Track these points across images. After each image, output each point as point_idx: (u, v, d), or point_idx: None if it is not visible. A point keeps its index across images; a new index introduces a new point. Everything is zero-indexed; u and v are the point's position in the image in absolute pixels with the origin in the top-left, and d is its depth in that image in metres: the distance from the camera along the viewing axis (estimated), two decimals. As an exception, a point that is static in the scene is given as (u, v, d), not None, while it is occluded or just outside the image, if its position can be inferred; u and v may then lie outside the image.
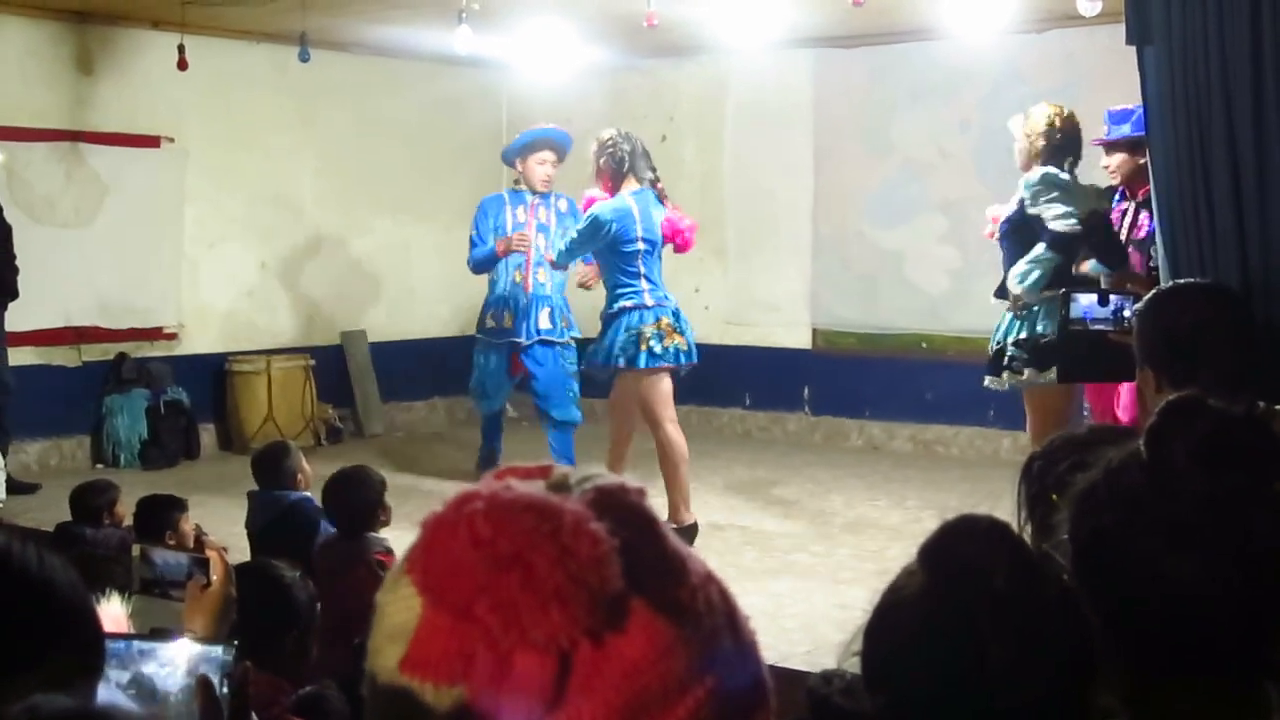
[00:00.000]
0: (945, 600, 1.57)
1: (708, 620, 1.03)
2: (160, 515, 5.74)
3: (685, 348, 7.88)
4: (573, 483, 1.06)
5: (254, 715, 1.98)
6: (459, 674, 0.99)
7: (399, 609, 1.04)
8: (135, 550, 3.58)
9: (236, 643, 2.00)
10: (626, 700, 0.98)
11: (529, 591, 0.96)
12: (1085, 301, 3.31)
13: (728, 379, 11.42)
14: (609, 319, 7.93)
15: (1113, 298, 3.30)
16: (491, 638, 0.98)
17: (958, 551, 1.59)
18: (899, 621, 1.61)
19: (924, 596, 1.59)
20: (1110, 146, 6.81)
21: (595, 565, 0.97)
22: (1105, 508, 1.77)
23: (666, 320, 7.85)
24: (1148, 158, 5.85)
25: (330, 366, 11.75)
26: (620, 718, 0.98)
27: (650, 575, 1.01)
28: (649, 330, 7.78)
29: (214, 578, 3.00)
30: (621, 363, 7.82)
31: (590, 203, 8.08)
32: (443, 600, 0.99)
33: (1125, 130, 6.61)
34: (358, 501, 5.47)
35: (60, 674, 1.89)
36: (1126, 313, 3.28)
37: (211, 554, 3.06)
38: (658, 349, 7.77)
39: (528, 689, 0.98)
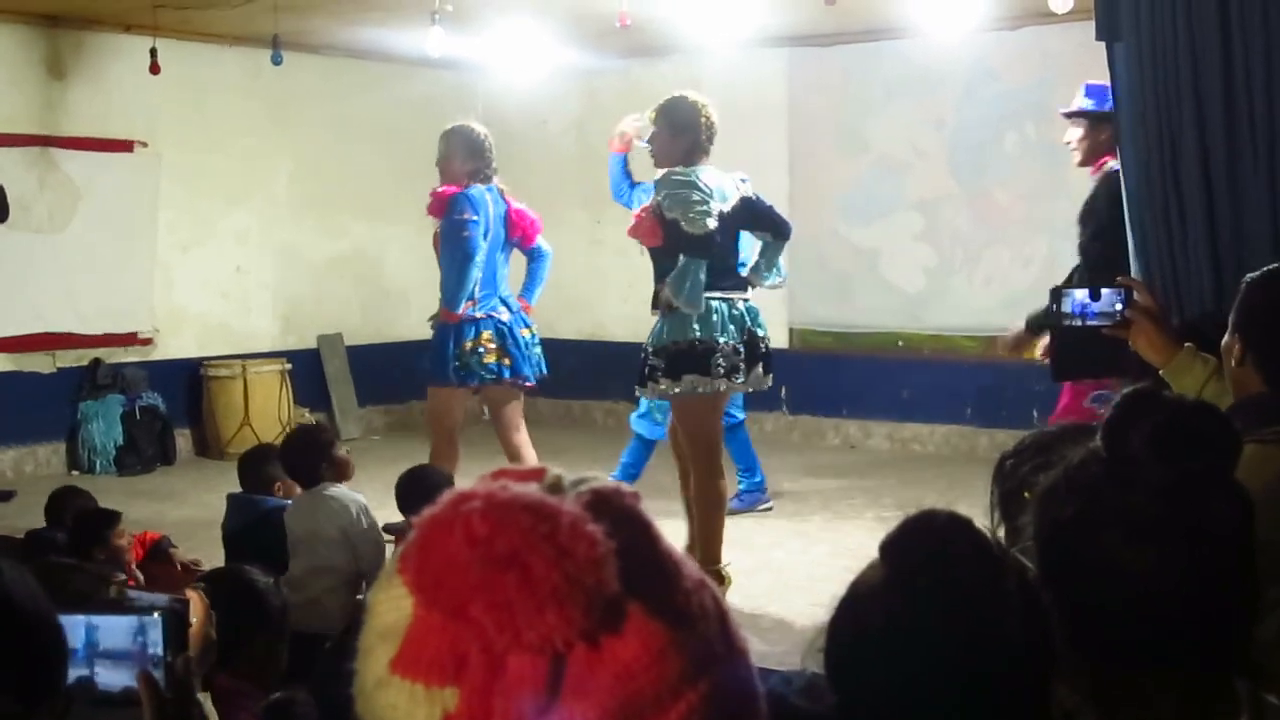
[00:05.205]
0: (906, 593, 1.58)
1: (701, 625, 1.02)
2: (91, 529, 5.56)
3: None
4: (567, 485, 1.05)
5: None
6: (451, 675, 0.99)
7: (390, 608, 1.03)
8: (113, 590, 3.56)
9: (163, 615, 1.99)
10: (620, 704, 0.97)
11: (525, 592, 0.95)
12: (1077, 297, 3.28)
13: (705, 379, 11.41)
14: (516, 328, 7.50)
15: (1105, 292, 3.26)
16: (486, 639, 0.97)
17: (918, 545, 1.60)
18: (860, 615, 1.62)
19: (885, 589, 1.60)
20: (1074, 120, 6.60)
21: (593, 567, 0.96)
22: (1065, 501, 1.77)
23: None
24: (1117, 153, 5.86)
25: (307, 370, 11.72)
26: None
27: (645, 578, 1.00)
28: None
29: (194, 619, 2.98)
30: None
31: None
32: (436, 600, 0.98)
33: (1089, 104, 6.49)
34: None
35: (23, 687, 1.89)
36: (1118, 307, 3.25)
37: (192, 595, 3.05)
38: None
39: (521, 691, 0.97)
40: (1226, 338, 2.98)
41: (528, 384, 7.55)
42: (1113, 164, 6.20)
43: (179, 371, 11.04)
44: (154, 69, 9.55)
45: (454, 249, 7.35)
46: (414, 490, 5.65)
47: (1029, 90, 10.32)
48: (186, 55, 10.64)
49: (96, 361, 10.58)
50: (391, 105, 12.24)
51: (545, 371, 7.67)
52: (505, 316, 7.46)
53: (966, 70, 10.53)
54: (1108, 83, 6.40)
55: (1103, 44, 5.82)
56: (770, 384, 6.76)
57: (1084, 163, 6.46)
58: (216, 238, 11.36)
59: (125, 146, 10.70)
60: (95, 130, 10.53)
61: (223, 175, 11.29)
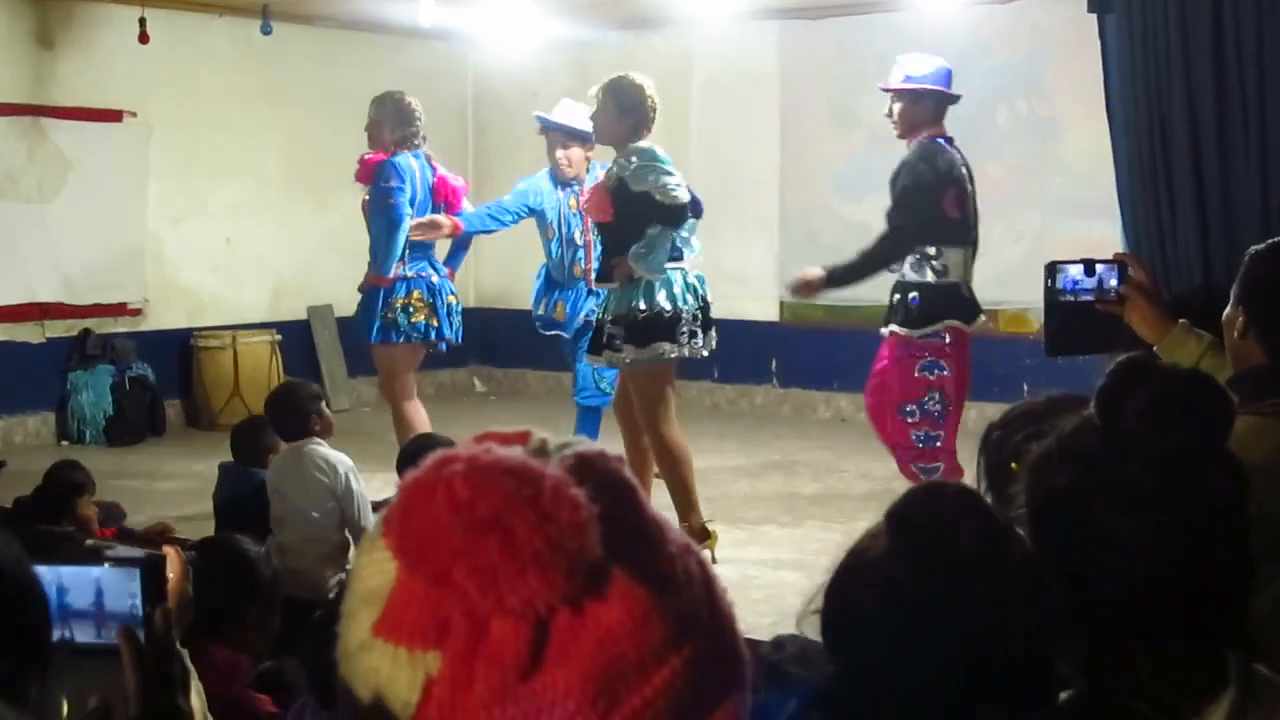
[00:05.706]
0: (910, 564, 1.57)
1: (686, 591, 1.02)
2: (57, 498, 5.48)
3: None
4: (552, 448, 1.04)
5: (196, 680, 1.96)
6: (433, 639, 0.98)
7: (373, 572, 1.02)
8: (89, 544, 3.56)
9: (140, 568, 1.99)
10: (603, 668, 0.97)
11: (507, 557, 0.94)
12: (1071, 272, 3.27)
13: (695, 352, 11.41)
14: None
15: (1099, 267, 3.24)
16: (468, 603, 0.96)
17: (925, 516, 1.59)
18: (862, 583, 1.61)
19: (889, 559, 1.59)
20: (894, 95, 6.73)
21: (575, 531, 0.95)
22: (1059, 470, 1.76)
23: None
24: (1107, 125, 5.86)
25: (297, 342, 11.70)
26: (596, 686, 0.96)
27: (629, 543, 1.00)
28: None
29: (170, 575, 2.97)
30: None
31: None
32: (419, 564, 0.98)
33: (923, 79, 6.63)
34: None
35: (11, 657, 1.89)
36: (1113, 282, 3.24)
37: (169, 551, 3.04)
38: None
39: (503, 656, 0.97)
40: (1229, 310, 2.97)
41: (439, 349, 7.83)
42: (927, 134, 6.55)
43: (169, 342, 11.02)
44: (143, 39, 9.52)
45: (381, 216, 7.57)
46: (417, 460, 5.61)
47: (1020, 65, 10.31)
48: (176, 25, 10.59)
49: (86, 332, 10.55)
50: (382, 76, 12.09)
51: (459, 341, 7.91)
52: (435, 279, 7.69)
53: (958, 44, 10.46)
54: (928, 59, 6.61)
55: (1094, 17, 5.83)
56: (714, 345, 6.86)
57: (903, 135, 6.66)
58: (207, 208, 11.33)
59: (115, 117, 10.66)
60: (85, 100, 10.48)
61: (213, 145, 11.24)
